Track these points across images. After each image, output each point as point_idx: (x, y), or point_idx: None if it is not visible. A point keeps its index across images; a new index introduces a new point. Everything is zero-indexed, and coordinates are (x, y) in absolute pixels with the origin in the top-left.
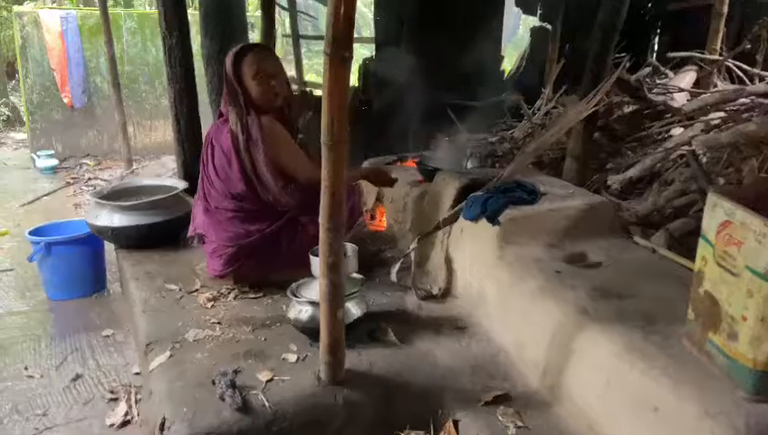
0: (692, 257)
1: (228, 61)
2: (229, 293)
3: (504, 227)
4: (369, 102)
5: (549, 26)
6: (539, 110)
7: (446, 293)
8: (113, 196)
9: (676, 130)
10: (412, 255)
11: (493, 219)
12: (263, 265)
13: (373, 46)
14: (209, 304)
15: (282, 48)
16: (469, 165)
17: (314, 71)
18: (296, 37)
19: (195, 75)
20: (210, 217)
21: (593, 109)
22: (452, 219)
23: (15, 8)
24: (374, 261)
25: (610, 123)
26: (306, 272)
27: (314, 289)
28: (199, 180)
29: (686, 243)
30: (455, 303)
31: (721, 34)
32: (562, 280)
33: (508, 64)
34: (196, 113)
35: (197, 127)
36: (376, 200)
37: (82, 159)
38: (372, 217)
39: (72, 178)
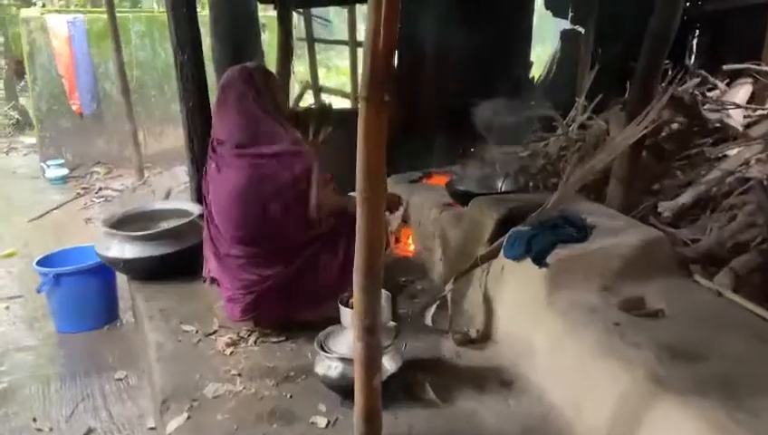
0: (764, 303)
1: (241, 79)
2: (249, 336)
3: (552, 270)
4: (391, 114)
5: (581, 29)
6: (573, 121)
7: (486, 336)
8: (125, 222)
9: (731, 149)
10: (448, 296)
11: (540, 261)
12: (284, 307)
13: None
14: (228, 351)
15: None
16: (504, 186)
17: (323, 65)
18: (311, 41)
19: (208, 90)
20: (221, 263)
21: (645, 131)
22: (491, 256)
23: (23, 12)
24: (402, 294)
25: (659, 142)
26: (331, 310)
27: (344, 341)
28: (204, 220)
29: (753, 283)
30: (496, 349)
31: None
32: (624, 335)
33: (538, 71)
34: (210, 130)
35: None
36: (402, 221)
37: (93, 168)
38: (397, 241)
39: (83, 189)
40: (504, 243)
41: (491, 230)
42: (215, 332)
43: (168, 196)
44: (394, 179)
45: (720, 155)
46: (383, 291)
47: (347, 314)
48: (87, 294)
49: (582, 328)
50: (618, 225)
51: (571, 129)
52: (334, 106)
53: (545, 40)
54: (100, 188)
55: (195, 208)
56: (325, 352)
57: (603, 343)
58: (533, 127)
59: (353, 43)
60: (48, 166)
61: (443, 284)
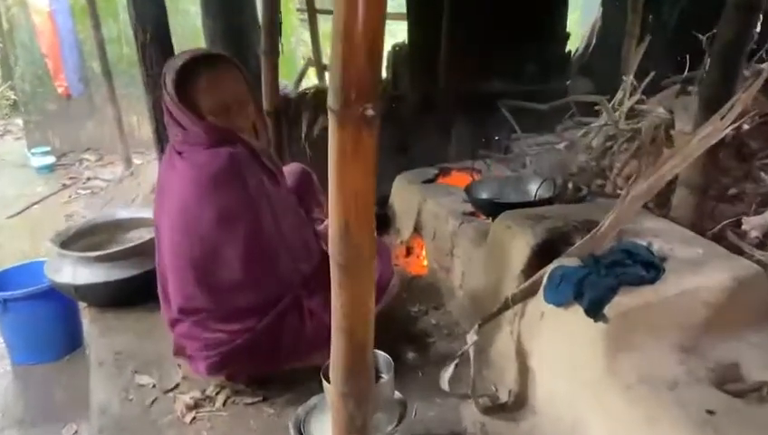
0: None
1: (170, 82)
2: (217, 394)
3: (614, 325)
4: (401, 99)
5: None
6: (620, 105)
7: (520, 401)
8: (82, 236)
9: None
10: (470, 350)
11: (595, 312)
12: (260, 363)
13: (405, 26)
14: (188, 417)
15: (296, 26)
16: (539, 192)
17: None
18: (312, 11)
19: None
20: (176, 329)
21: (732, 127)
22: (526, 295)
23: None
24: (413, 330)
25: (741, 138)
26: (323, 358)
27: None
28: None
29: None
30: (534, 423)
31: None
32: (721, 431)
33: (575, 44)
34: None
35: None
36: (413, 231)
37: (83, 154)
38: (408, 253)
39: (70, 179)
40: (545, 281)
41: (525, 260)
42: (176, 386)
43: (154, 190)
44: (405, 178)
45: None
46: (381, 356)
47: (329, 392)
48: (42, 320)
49: (660, 417)
50: (696, 254)
51: (618, 115)
52: None
53: (584, 7)
54: (89, 178)
55: None
56: None
57: None
58: (570, 112)
59: None
60: (33, 154)
61: (463, 320)
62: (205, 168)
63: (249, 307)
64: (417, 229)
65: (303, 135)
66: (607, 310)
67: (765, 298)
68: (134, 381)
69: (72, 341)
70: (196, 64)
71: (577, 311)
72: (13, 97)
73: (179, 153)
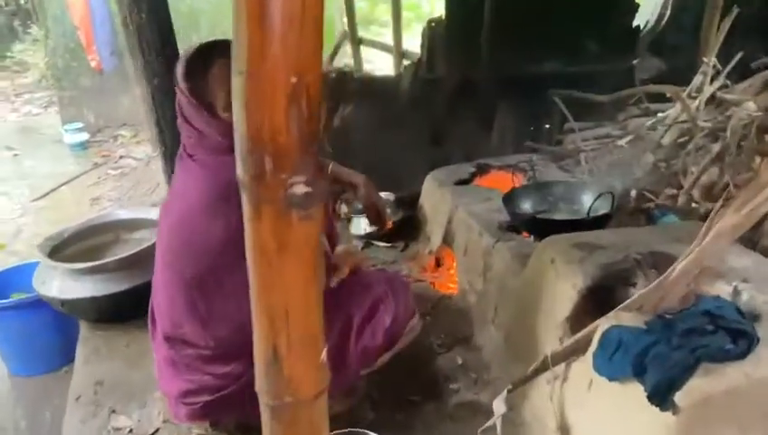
0: None
1: (181, 72)
2: None
3: (687, 417)
4: (437, 82)
5: None
6: (697, 92)
7: None
8: (79, 239)
9: None
10: (497, 424)
11: (662, 398)
12: (247, 412)
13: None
14: None
15: None
16: (599, 208)
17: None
18: None
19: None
20: (158, 352)
21: None
22: (571, 353)
23: None
24: (432, 368)
25: None
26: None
27: None
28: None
29: None
30: None
31: None
32: None
33: (646, 18)
34: None
35: None
36: (443, 242)
37: (119, 130)
38: (438, 264)
39: (103, 157)
40: (596, 344)
41: (571, 306)
42: (155, 432)
43: None
44: (436, 177)
45: None
46: None
47: None
48: (35, 330)
49: None
50: None
51: (696, 105)
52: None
53: None
54: (122, 157)
55: None
56: None
57: None
58: (636, 97)
59: None
60: (66, 130)
61: (495, 362)
62: (220, 174)
63: (243, 348)
64: (447, 240)
65: (322, 127)
66: (679, 396)
67: None
68: (109, 423)
69: (69, 351)
70: (210, 51)
71: (636, 388)
72: None
73: (191, 156)
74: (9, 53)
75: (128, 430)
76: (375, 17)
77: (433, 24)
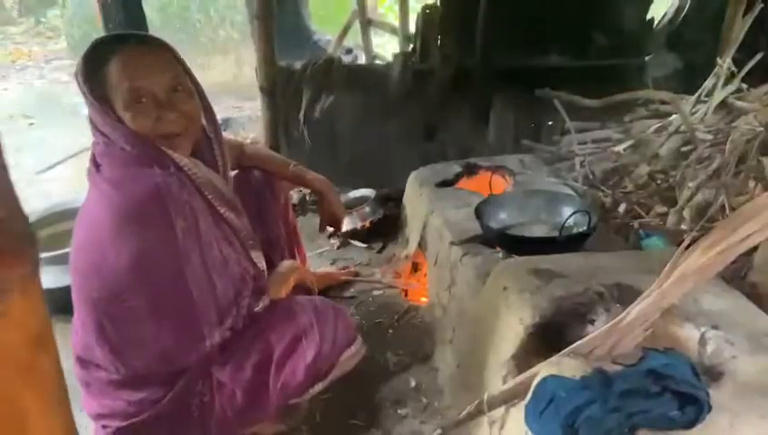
0: None
1: (80, 71)
2: None
3: None
4: (430, 73)
5: None
6: (708, 96)
7: None
8: (40, 227)
9: None
10: None
11: None
12: None
13: None
14: None
15: None
16: (577, 225)
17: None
18: None
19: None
20: (78, 368)
21: None
22: (510, 398)
23: None
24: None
25: None
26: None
27: None
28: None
29: None
30: None
31: None
32: None
33: (660, 10)
34: None
35: None
36: (418, 248)
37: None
38: (415, 269)
39: None
40: (529, 398)
41: (518, 343)
42: None
43: None
44: (419, 177)
45: None
46: None
47: None
48: None
49: None
50: None
51: (703, 112)
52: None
53: None
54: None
55: None
56: None
57: None
58: (643, 99)
59: None
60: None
61: (448, 389)
62: (124, 196)
63: (157, 374)
64: (422, 247)
65: (302, 117)
66: None
67: None
68: None
69: None
70: (108, 44)
71: None
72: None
73: (98, 167)
74: (44, 18)
75: None
76: None
77: (427, 11)
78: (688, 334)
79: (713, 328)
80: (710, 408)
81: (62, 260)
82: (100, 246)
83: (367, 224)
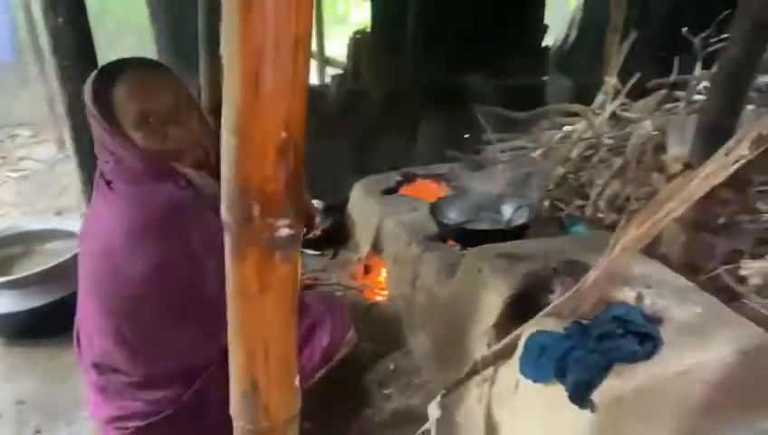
0: None
1: (88, 95)
2: None
3: (603, 414)
4: (364, 93)
5: None
6: (601, 110)
7: None
8: None
9: None
10: (432, 428)
11: (582, 398)
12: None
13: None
14: None
15: None
16: (517, 218)
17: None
18: None
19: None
20: (87, 376)
21: (738, 165)
22: (498, 357)
23: None
24: (367, 377)
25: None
26: None
27: None
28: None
29: None
30: None
31: None
32: None
33: (555, 38)
34: None
35: None
36: (371, 250)
37: (16, 130)
38: (367, 271)
39: (1, 158)
40: (522, 350)
41: (498, 313)
42: None
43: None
44: (363, 187)
45: None
46: None
47: None
48: None
49: None
50: (694, 315)
51: (599, 122)
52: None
53: None
54: (21, 158)
55: None
56: None
57: None
58: (544, 112)
59: None
60: None
61: (425, 367)
62: (139, 211)
63: (176, 373)
64: (376, 249)
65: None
66: (595, 395)
67: None
68: None
69: None
70: (112, 71)
71: (558, 388)
72: None
73: (109, 183)
74: None
75: None
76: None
77: (359, 36)
78: (627, 294)
79: (646, 287)
80: (662, 342)
81: (17, 285)
82: (116, 257)
83: (318, 232)
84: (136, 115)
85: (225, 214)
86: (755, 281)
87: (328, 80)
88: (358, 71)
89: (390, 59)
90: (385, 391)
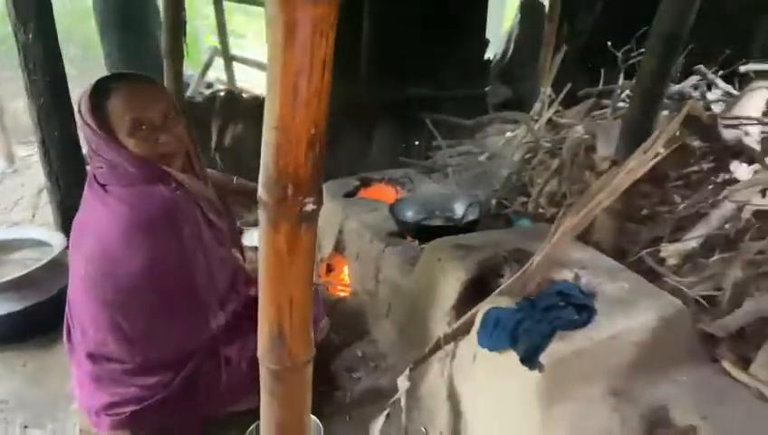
0: None
1: (84, 107)
2: None
3: (549, 374)
4: None
5: (544, 0)
6: (539, 117)
7: None
8: None
9: (739, 167)
10: (402, 398)
11: (531, 360)
12: (170, 418)
13: None
14: None
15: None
16: (469, 215)
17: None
18: None
19: (66, 80)
20: (79, 368)
21: (654, 161)
22: (458, 334)
23: None
24: (336, 363)
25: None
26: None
27: None
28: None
29: None
30: None
31: None
32: None
33: (495, 51)
34: (72, 134)
35: (76, 153)
36: (333, 250)
37: None
38: (329, 270)
39: None
40: (479, 324)
41: (456, 296)
42: None
43: (40, 191)
44: (325, 190)
45: (728, 177)
46: (313, 420)
47: None
48: None
49: None
50: (622, 290)
51: (537, 127)
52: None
53: (505, 13)
54: None
55: (54, 238)
56: None
57: None
58: (489, 120)
59: None
60: None
61: (391, 351)
62: (135, 211)
63: (167, 359)
64: (339, 248)
65: (214, 144)
66: (543, 358)
67: (688, 335)
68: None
69: None
70: (111, 81)
71: (510, 355)
72: None
73: (103, 186)
74: None
75: None
76: (231, 29)
77: None
78: (566, 274)
79: (582, 268)
80: (596, 311)
81: None
82: (113, 254)
83: None
84: (130, 124)
85: (262, 193)
86: (672, 261)
87: None
88: None
89: (346, 74)
90: (354, 375)
